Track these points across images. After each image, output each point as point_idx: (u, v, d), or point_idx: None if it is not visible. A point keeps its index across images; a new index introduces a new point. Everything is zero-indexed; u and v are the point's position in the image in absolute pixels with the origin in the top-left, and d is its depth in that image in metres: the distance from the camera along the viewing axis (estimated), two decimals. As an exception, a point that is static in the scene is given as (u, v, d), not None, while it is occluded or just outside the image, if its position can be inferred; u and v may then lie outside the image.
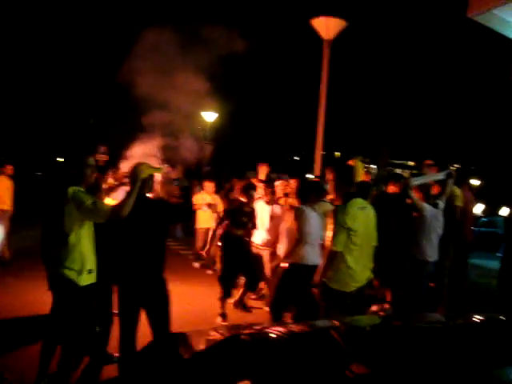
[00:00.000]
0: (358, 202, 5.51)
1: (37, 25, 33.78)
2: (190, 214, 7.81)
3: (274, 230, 8.27)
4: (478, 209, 11.29)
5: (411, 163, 76.89)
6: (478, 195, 11.32)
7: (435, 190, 8.13)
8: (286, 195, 8.25)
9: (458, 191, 8.15)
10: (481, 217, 21.55)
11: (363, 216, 5.51)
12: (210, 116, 24.73)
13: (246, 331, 2.98)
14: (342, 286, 5.41)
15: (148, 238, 5.07)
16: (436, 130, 48.70)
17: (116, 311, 5.31)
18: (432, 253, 7.19)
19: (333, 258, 5.35)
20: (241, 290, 8.62)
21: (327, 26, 9.61)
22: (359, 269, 5.46)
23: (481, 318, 2.99)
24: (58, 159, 38.85)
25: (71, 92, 37.09)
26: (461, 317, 3.32)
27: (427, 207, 7.25)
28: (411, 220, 7.35)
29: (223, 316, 7.85)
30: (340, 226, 5.34)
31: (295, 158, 57.79)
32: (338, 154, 57.42)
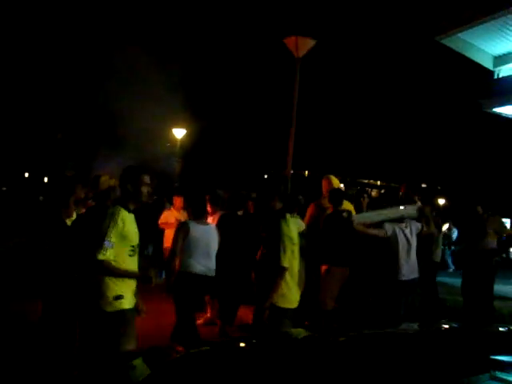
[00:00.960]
0: (289, 215, 5.50)
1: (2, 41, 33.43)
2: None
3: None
4: (445, 227, 11.51)
5: (378, 183, 77.91)
6: (445, 214, 11.46)
7: None
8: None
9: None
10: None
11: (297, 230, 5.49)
12: (179, 132, 24.67)
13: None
14: (290, 303, 5.31)
15: None
16: (403, 151, 49.45)
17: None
18: (405, 271, 6.96)
19: (281, 276, 5.18)
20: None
21: (298, 45, 9.76)
22: (298, 283, 5.41)
23: (443, 326, 3.05)
24: (25, 174, 38.39)
25: (39, 107, 36.71)
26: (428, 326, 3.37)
27: (386, 228, 6.95)
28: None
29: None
30: (288, 242, 5.22)
31: (264, 175, 57.98)
32: (306, 172, 57.83)
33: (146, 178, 4.42)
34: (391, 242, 6.72)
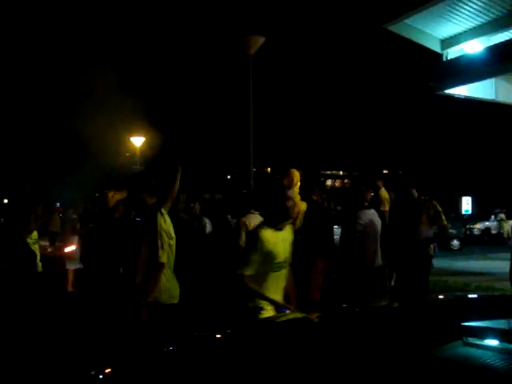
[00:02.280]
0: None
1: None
2: None
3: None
4: None
5: (340, 173, 78.63)
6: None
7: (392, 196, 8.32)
8: None
9: (385, 194, 8.10)
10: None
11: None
12: (137, 141, 24.46)
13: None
14: (173, 298, 5.11)
15: None
16: (362, 139, 49.99)
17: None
18: (375, 258, 7.10)
19: (160, 271, 4.96)
20: None
21: (248, 43, 9.81)
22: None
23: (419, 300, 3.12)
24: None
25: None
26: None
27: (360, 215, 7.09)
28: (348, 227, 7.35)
29: None
30: (165, 236, 5.00)
31: (228, 176, 57.95)
32: (269, 169, 58.03)
33: None
34: (368, 230, 6.91)
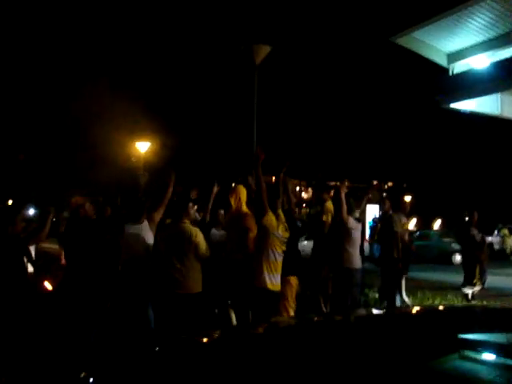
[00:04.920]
0: None
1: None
2: None
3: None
4: (412, 223, 11.69)
5: (346, 184, 78.42)
6: (411, 210, 11.63)
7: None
8: None
9: (330, 206, 8.42)
10: (414, 231, 22.22)
11: None
12: (142, 146, 24.55)
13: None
14: None
15: None
16: (368, 151, 49.95)
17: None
18: (358, 261, 7.68)
19: None
20: None
21: (254, 52, 9.85)
22: None
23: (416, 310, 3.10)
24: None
25: (0, 128, 36.08)
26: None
27: (350, 220, 7.69)
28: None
29: None
30: None
31: (232, 184, 57.84)
32: (274, 178, 57.89)
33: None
34: (352, 233, 7.62)
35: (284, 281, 6.57)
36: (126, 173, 26.91)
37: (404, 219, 9.66)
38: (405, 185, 51.53)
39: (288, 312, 6.74)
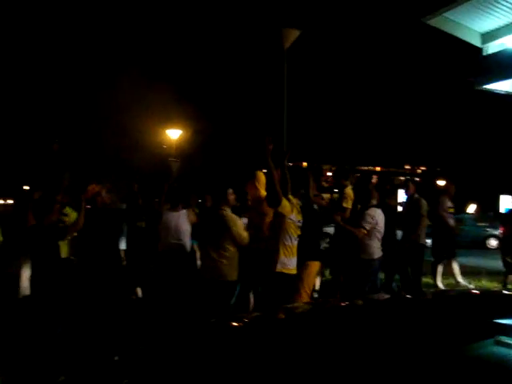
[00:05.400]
0: None
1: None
2: None
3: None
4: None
5: (378, 169, 77.93)
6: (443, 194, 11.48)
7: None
8: None
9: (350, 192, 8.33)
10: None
11: None
12: (174, 133, 24.69)
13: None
14: None
15: None
16: (401, 135, 49.41)
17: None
18: (375, 251, 7.50)
19: None
20: None
21: (283, 36, 9.80)
22: None
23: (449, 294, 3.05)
24: (24, 187, 38.29)
25: (35, 117, 36.64)
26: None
27: (365, 225, 7.49)
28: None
29: None
30: None
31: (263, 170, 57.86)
32: (305, 163, 57.78)
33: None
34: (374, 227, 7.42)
35: (302, 265, 6.62)
36: (159, 160, 27.12)
37: (449, 203, 9.66)
38: (438, 169, 50.89)
39: (301, 296, 6.73)
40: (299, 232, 6.23)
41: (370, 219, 7.42)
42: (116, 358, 2.45)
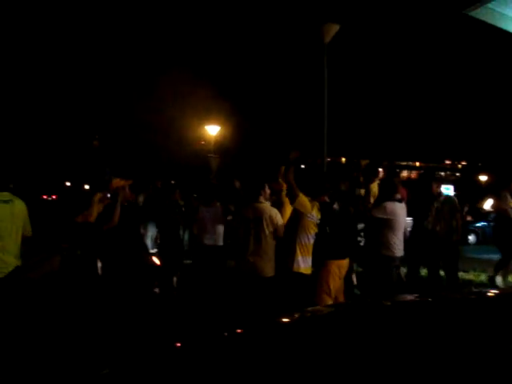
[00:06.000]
0: (3, 195, 5.68)
1: (35, 48, 34.13)
2: None
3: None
4: (488, 204, 11.11)
5: (417, 164, 76.95)
6: (487, 190, 11.26)
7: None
8: None
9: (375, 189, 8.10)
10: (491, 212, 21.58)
11: (7, 209, 5.67)
12: (213, 129, 24.83)
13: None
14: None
15: None
16: (442, 129, 48.68)
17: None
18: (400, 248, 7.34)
19: None
20: None
21: (323, 31, 9.77)
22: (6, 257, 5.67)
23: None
24: (66, 183, 39.04)
25: (75, 115, 37.35)
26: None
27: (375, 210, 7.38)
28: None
29: None
30: None
31: (301, 166, 57.76)
32: (344, 159, 57.50)
33: None
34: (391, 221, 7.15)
35: (321, 264, 6.49)
36: (197, 156, 27.34)
37: (509, 198, 9.50)
38: (479, 163, 50.00)
39: (321, 298, 6.45)
40: (316, 230, 6.20)
41: (383, 210, 7.19)
42: (178, 344, 2.48)
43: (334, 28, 9.96)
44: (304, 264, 6.05)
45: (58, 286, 7.31)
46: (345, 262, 6.75)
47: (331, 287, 6.61)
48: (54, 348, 5.81)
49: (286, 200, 6.61)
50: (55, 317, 6.52)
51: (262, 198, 6.38)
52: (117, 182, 7.05)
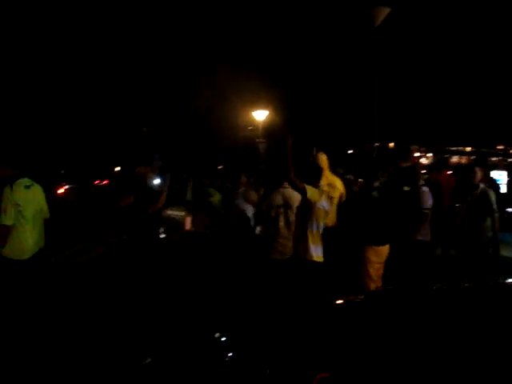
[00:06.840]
0: (24, 181, 5.82)
1: (89, 45, 34.78)
2: None
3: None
4: None
5: (468, 149, 75.19)
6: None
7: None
8: None
9: None
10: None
11: (30, 193, 5.82)
12: (260, 114, 24.83)
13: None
14: (17, 255, 5.70)
15: None
16: (494, 113, 47.49)
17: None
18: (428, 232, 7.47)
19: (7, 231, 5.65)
20: None
21: (374, 14, 9.67)
22: (31, 239, 5.82)
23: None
24: (115, 169, 39.77)
25: (124, 102, 37.92)
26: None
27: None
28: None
29: None
30: (9, 203, 5.66)
31: (349, 151, 57.27)
32: (392, 144, 56.68)
33: None
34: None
35: (359, 250, 6.75)
36: (245, 142, 27.45)
37: None
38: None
39: (365, 283, 6.71)
40: (327, 219, 6.28)
41: (426, 198, 7.36)
42: (217, 335, 2.57)
43: (385, 11, 9.85)
44: (316, 252, 6.08)
45: (103, 271, 7.63)
46: (384, 249, 6.84)
47: (371, 273, 6.77)
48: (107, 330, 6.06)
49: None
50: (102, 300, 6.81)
51: (286, 183, 6.49)
52: (141, 169, 7.24)
